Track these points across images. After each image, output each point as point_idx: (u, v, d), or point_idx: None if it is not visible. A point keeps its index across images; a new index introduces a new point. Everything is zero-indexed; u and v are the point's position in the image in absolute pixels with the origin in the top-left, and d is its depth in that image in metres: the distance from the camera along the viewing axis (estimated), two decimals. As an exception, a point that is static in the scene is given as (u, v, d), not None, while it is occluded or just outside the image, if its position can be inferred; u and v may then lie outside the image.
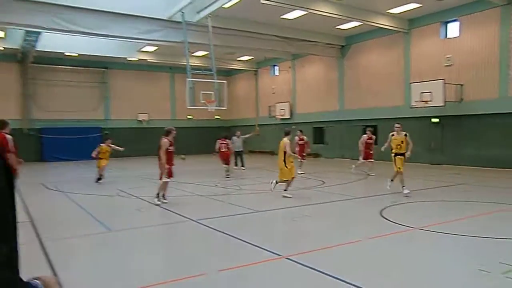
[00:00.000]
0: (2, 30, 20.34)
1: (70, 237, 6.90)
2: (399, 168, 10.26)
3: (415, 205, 9.10)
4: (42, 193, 12.22)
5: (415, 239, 6.40)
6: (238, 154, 18.07)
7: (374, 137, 15.94)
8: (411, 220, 7.43)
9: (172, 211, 8.82)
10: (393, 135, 10.71)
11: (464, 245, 5.91)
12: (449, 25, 18.52)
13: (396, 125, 10.74)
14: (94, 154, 14.16)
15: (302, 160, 16.09)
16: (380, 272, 4.87)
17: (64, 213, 9.30)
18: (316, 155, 25.13)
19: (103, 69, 28.95)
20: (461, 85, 17.53)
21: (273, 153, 29.00)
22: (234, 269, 5.01)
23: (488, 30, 16.69)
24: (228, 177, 14.99)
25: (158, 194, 9.78)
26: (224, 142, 15.92)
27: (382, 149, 11.51)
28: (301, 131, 16.97)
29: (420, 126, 19.11)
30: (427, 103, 17.65)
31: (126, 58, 26.13)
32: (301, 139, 16.46)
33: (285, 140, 10.25)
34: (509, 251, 5.61)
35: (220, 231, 6.93)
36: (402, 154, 10.43)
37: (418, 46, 19.43)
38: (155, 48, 24.57)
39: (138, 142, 28.12)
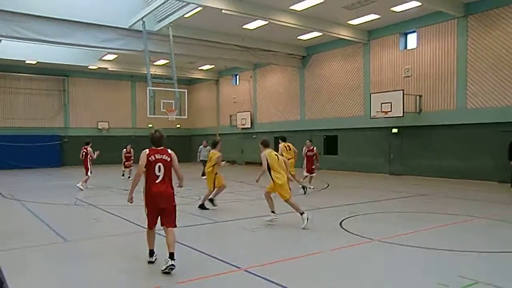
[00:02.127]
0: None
1: (23, 248, 6.62)
2: None
3: (375, 217, 9.24)
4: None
5: (374, 251, 6.39)
6: (205, 163, 18.08)
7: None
8: (370, 231, 7.46)
9: (129, 221, 8.52)
10: None
11: (423, 258, 5.89)
12: (408, 36, 19.13)
13: None
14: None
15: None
16: (339, 285, 4.84)
17: (18, 222, 8.88)
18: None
19: (63, 77, 28.25)
20: (420, 96, 18.14)
21: (234, 162, 28.91)
22: (192, 281, 4.87)
23: (445, 41, 17.25)
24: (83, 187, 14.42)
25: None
26: (85, 149, 15.06)
27: None
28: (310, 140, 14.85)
29: (380, 136, 19.67)
30: (387, 113, 18.12)
31: (87, 66, 25.64)
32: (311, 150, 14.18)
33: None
34: (468, 264, 5.58)
35: (178, 242, 6.73)
36: None
37: (378, 57, 20.01)
38: (115, 56, 24.07)
39: (98, 150, 27.30)
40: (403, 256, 6.06)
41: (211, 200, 10.11)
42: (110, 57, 24.33)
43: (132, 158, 18.45)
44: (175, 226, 5.37)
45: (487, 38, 15.89)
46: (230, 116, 29.54)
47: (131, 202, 5.45)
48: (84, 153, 14.93)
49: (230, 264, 5.46)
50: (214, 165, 9.96)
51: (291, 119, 24.91)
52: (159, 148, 5.40)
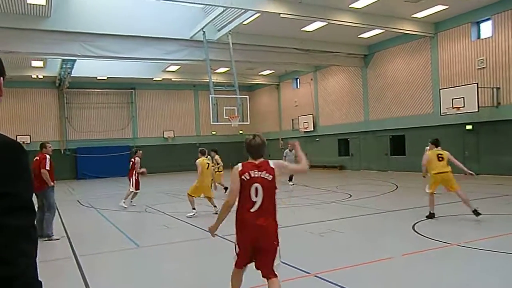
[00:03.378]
0: (41, 60, 22.11)
1: (102, 253, 7.11)
2: None
3: (451, 219, 8.62)
4: (77, 210, 12.66)
5: (454, 256, 5.93)
6: None
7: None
8: (448, 235, 6.97)
9: (198, 227, 8.72)
10: None
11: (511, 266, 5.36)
12: (481, 25, 17.71)
13: None
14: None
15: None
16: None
17: (96, 229, 9.51)
18: (341, 167, 24.65)
19: (130, 90, 29.99)
20: (498, 88, 16.69)
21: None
22: (263, 286, 4.82)
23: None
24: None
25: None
26: (132, 159, 13.21)
27: None
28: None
29: (452, 134, 18.43)
30: (459, 109, 16.94)
31: (152, 78, 26.99)
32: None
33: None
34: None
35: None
36: None
37: (447, 50, 18.79)
38: (178, 67, 25.06)
39: (164, 158, 28.78)
40: (488, 263, 5.54)
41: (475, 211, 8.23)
42: (173, 68, 25.37)
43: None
44: (276, 274, 3.78)
45: None
46: (292, 120, 29.40)
47: (214, 236, 4.19)
48: (131, 162, 12.97)
49: (300, 269, 5.35)
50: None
51: (354, 121, 24.21)
52: (257, 162, 3.76)
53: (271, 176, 3.71)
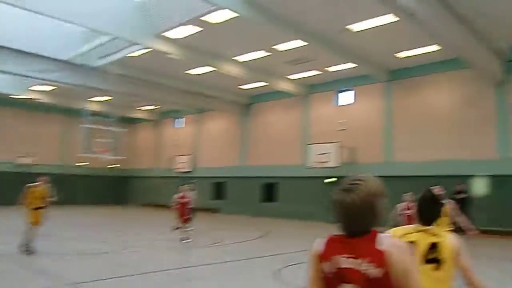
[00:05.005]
0: None
1: None
2: None
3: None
4: None
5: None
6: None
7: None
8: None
9: (52, 272, 7.67)
10: None
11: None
12: (341, 94, 20.39)
13: None
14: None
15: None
16: None
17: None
18: (214, 211, 24.75)
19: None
20: (354, 148, 19.06)
21: (167, 206, 27.74)
22: None
23: (375, 101, 18.85)
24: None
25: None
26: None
27: None
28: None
29: (317, 185, 20.12)
30: (323, 163, 18.81)
31: (10, 95, 23.80)
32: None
33: None
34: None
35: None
36: None
37: (316, 110, 21.03)
38: (53, 87, 22.67)
39: (15, 188, 24.82)
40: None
41: None
42: (43, 88, 22.82)
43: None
44: None
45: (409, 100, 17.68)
46: (170, 158, 28.83)
47: None
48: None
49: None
50: None
51: (230, 165, 24.84)
52: (352, 238, 1.77)
53: (376, 269, 1.67)
